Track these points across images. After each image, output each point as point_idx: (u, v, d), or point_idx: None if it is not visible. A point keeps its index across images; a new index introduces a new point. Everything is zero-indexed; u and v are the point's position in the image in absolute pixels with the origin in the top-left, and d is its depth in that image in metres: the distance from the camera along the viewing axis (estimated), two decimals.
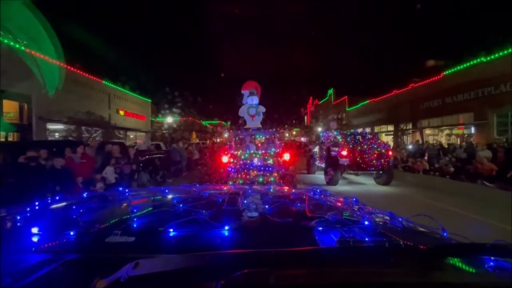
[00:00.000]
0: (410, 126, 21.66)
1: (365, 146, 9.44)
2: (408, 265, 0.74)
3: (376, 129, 27.59)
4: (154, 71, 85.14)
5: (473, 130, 16.53)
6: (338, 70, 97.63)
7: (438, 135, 20.48)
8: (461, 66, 16.59)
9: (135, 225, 1.03)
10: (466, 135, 17.60)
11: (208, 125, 40.94)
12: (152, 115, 31.78)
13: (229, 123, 31.27)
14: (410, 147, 14.65)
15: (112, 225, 1.11)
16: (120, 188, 1.72)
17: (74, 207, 1.38)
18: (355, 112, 32.07)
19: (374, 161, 9.13)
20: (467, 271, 0.76)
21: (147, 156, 9.91)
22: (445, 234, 1.03)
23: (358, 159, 9.20)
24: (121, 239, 0.90)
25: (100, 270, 0.66)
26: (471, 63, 15.87)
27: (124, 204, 1.39)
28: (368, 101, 27.27)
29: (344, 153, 9.25)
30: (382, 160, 9.13)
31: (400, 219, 1.13)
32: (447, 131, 19.85)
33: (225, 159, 7.72)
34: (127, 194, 1.57)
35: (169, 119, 29.92)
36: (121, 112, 24.24)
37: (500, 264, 0.74)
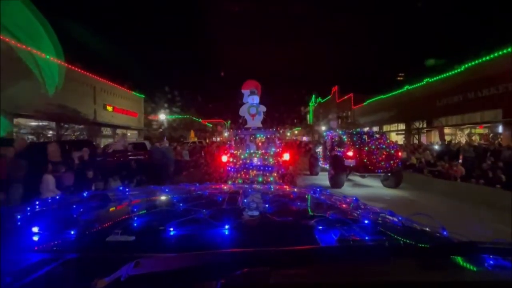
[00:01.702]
0: (425, 124, 21.19)
1: (373, 146, 9.32)
2: (408, 264, 0.79)
3: (385, 128, 27.35)
4: (151, 68, 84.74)
5: (500, 129, 15.82)
6: (342, 68, 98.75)
7: (457, 135, 19.96)
8: (487, 57, 15.75)
9: (135, 224, 1.09)
10: (491, 135, 16.90)
11: (208, 124, 41.04)
12: (151, 114, 31.63)
13: (229, 122, 31.47)
14: (436, 147, 13.52)
15: (112, 224, 1.17)
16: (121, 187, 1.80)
17: (74, 206, 1.44)
18: (361, 110, 31.87)
19: (382, 163, 9.00)
20: (466, 269, 0.82)
21: (130, 158, 9.28)
22: (445, 233, 1.09)
23: (365, 160, 9.09)
24: (122, 238, 0.95)
25: (101, 269, 0.70)
26: (499, 53, 15.02)
27: (125, 204, 1.46)
28: (409, 87, 23.39)
29: (350, 153, 9.13)
30: (391, 162, 9.00)
31: (400, 218, 1.19)
32: (467, 130, 19.30)
33: (224, 158, 7.99)
34: (127, 193, 1.65)
35: (164, 117, 29.74)
36: (109, 108, 23.80)
37: (500, 263, 0.79)
